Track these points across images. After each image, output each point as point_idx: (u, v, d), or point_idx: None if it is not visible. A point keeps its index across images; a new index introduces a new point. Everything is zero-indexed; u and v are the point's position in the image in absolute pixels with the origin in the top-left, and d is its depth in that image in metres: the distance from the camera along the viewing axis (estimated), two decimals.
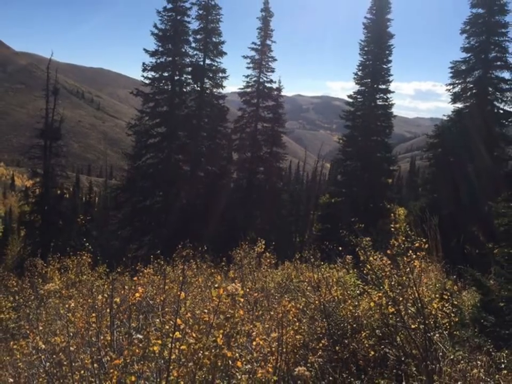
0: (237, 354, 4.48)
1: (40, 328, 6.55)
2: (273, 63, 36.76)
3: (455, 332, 6.77)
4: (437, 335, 6.15)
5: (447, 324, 6.50)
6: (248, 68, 36.55)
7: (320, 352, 6.57)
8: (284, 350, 5.94)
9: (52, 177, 27.39)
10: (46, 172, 27.03)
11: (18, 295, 10.66)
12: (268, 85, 36.96)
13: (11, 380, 5.97)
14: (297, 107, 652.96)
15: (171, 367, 4.37)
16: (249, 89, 37.15)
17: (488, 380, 5.13)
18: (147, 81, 31.53)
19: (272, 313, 6.53)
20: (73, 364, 5.17)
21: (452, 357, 5.73)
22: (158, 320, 5.31)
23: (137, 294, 5.15)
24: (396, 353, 6.36)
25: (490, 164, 23.62)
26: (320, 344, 6.68)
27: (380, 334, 6.75)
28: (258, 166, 37.76)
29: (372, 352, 6.54)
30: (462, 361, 5.57)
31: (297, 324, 6.39)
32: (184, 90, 33.96)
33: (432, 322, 6.27)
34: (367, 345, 6.67)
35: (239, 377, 4.53)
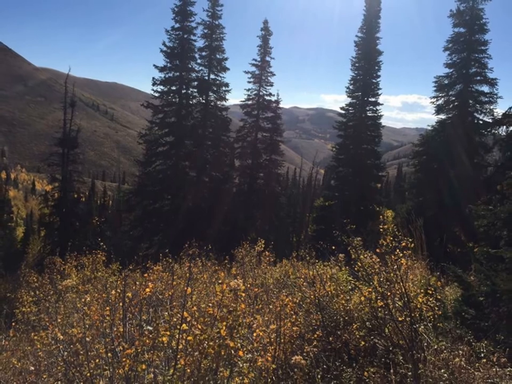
0: (239, 345, 4.48)
1: (59, 320, 6.55)
2: (272, 77, 36.86)
3: (438, 324, 6.77)
4: (422, 327, 6.16)
5: (431, 317, 6.51)
6: (249, 82, 36.64)
7: (315, 343, 6.57)
8: (282, 340, 5.94)
9: (70, 182, 27.45)
10: (64, 177, 27.08)
11: (38, 290, 10.65)
12: (267, 97, 37.06)
13: (32, 368, 5.98)
14: (294, 118, 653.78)
15: (178, 356, 4.37)
16: (250, 102, 37.24)
17: (469, 368, 5.13)
18: (157, 95, 31.58)
19: (271, 307, 6.54)
20: (89, 353, 5.18)
21: (435, 347, 5.74)
22: (166, 313, 5.32)
23: (147, 289, 5.16)
24: (384, 343, 6.36)
25: (471, 170, 23.64)
26: (315, 335, 6.68)
27: (370, 326, 6.75)
28: (258, 172, 37.83)
29: (363, 343, 6.55)
30: (445, 351, 5.58)
31: (294, 316, 6.39)
32: (191, 102, 34.01)
33: (417, 315, 6.28)
34: (358, 336, 6.67)
35: (241, 365, 4.54)
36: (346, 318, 6.99)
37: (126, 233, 29.68)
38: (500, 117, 23.01)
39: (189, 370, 4.44)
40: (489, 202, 8.99)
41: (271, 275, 11.29)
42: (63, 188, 27.29)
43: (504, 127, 21.41)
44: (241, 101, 37.21)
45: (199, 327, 4.36)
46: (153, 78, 31.04)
